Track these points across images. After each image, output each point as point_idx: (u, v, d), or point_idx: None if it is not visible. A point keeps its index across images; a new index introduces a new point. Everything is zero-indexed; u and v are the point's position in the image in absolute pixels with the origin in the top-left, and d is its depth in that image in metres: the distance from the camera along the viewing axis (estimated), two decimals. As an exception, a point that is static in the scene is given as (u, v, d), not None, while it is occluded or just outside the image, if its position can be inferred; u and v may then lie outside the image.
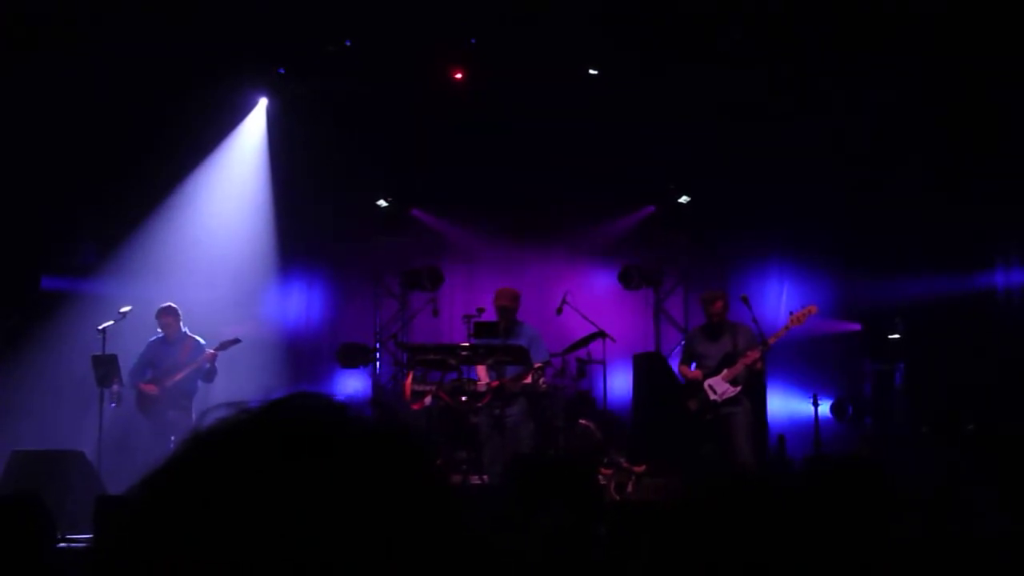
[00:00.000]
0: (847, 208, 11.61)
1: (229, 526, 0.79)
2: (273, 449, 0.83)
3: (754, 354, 9.28)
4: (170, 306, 10.36)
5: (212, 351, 10.16)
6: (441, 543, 0.84)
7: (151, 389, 10.14)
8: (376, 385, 12.93)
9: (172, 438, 9.56)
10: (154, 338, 10.40)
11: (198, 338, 10.40)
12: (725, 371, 9.41)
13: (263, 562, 0.77)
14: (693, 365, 9.76)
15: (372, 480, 0.83)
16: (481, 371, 9.78)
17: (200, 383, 10.34)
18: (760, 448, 9.53)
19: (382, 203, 13.14)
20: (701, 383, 9.52)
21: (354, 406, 0.89)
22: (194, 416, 10.02)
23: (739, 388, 9.36)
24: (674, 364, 12.14)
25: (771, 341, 9.32)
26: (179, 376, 10.17)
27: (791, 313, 9.44)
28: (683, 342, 10.11)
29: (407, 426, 0.90)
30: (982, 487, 8.39)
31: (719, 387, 9.42)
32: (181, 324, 10.40)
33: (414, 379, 9.66)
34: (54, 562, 3.95)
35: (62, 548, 5.80)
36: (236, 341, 10.24)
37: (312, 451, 0.83)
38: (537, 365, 9.49)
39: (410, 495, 0.85)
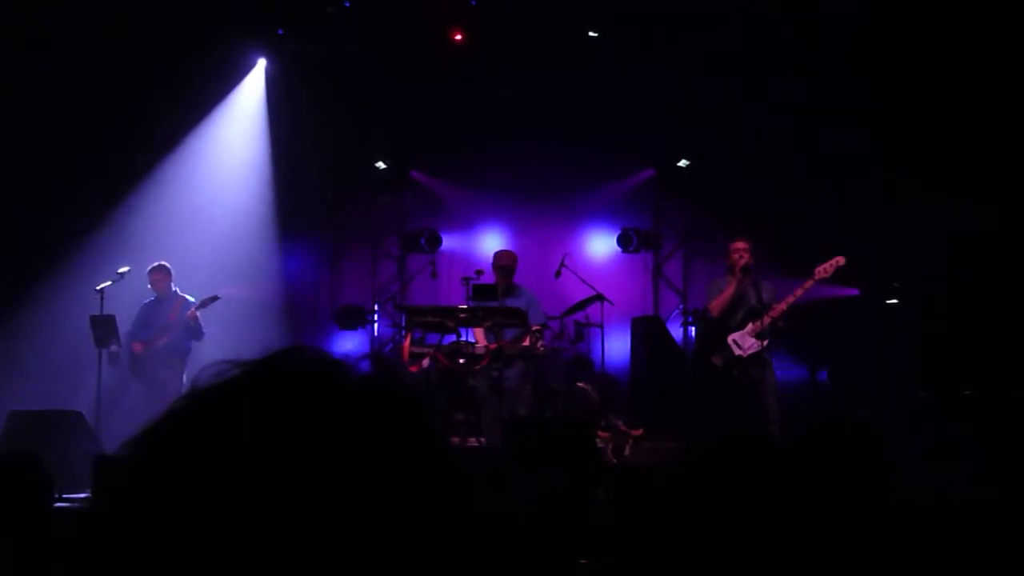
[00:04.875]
0: (845, 173, 11.55)
1: (224, 480, 0.78)
2: (268, 402, 0.82)
3: (781, 307, 8.88)
4: (161, 264, 10.43)
5: (192, 311, 10.19)
6: (439, 498, 0.84)
7: (137, 348, 10.24)
8: (374, 347, 12.94)
9: (161, 399, 9.60)
10: (147, 300, 10.47)
11: (188, 297, 10.41)
12: (750, 325, 8.99)
13: (258, 517, 0.76)
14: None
15: (369, 433, 0.82)
16: (478, 333, 9.79)
17: (195, 343, 10.38)
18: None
19: (381, 165, 13.07)
20: (724, 338, 9.11)
21: (351, 361, 0.88)
22: (186, 376, 10.10)
23: (765, 343, 8.95)
24: (672, 328, 12.17)
25: (798, 293, 8.87)
26: (168, 336, 10.22)
27: (816, 266, 8.90)
28: (708, 289, 9.57)
29: (405, 380, 0.89)
30: (974, 452, 8.44)
31: (744, 342, 8.99)
32: (172, 283, 10.45)
33: (412, 341, 9.66)
34: (52, 520, 3.97)
35: (60, 507, 5.82)
36: (215, 298, 10.24)
37: (308, 404, 0.82)
38: (535, 328, 9.48)
39: (407, 448, 0.84)
